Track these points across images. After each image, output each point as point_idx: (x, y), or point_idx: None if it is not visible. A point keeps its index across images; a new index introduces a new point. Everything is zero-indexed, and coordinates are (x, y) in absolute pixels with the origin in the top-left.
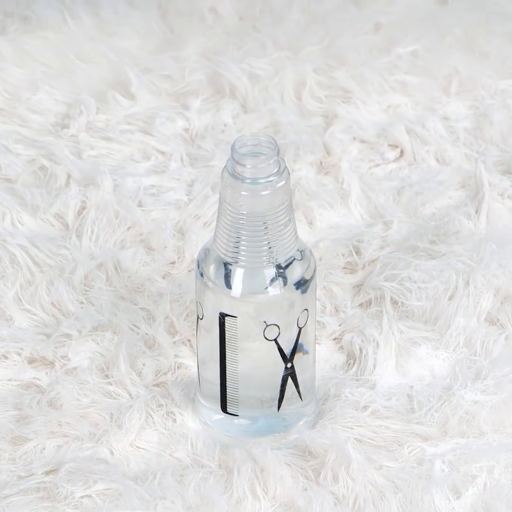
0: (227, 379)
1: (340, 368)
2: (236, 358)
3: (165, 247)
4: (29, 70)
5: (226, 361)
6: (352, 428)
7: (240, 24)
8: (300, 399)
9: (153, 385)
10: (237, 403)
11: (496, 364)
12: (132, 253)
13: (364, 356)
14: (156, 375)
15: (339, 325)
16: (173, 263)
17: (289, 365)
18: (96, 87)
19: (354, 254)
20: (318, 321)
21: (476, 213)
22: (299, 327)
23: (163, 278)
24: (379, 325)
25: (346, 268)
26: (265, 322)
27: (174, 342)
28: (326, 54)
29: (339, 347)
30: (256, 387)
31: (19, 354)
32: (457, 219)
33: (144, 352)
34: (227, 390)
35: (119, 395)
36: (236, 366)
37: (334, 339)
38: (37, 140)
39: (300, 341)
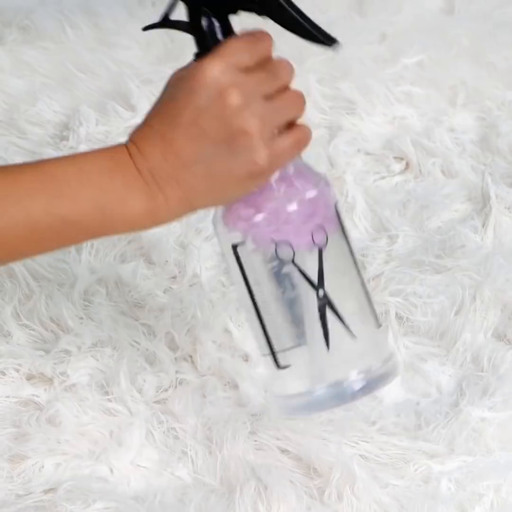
0: (263, 318)
1: None
2: (261, 291)
3: (166, 261)
4: (27, 81)
5: (255, 297)
6: (358, 443)
7: None
8: (351, 335)
9: (154, 402)
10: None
11: (504, 380)
12: (132, 267)
13: None
14: (157, 392)
15: None
16: (174, 277)
17: (321, 292)
18: (96, 98)
19: None
20: None
21: (483, 226)
22: (318, 247)
23: (164, 292)
24: None
25: None
26: (273, 239)
27: (175, 358)
28: (331, 64)
29: None
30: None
31: (17, 371)
32: (464, 232)
33: (145, 368)
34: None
35: (119, 412)
36: (264, 299)
37: None
38: (35, 152)
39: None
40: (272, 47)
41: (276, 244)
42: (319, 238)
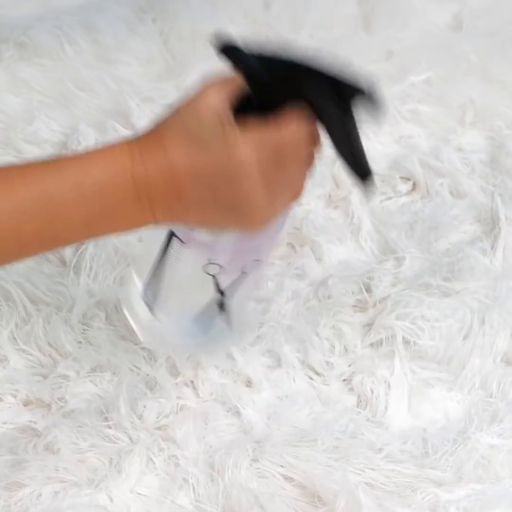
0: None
1: (351, 410)
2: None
3: None
4: (24, 98)
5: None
6: (364, 471)
7: None
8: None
9: (155, 428)
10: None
11: None
12: None
13: (375, 398)
14: (157, 418)
15: (349, 366)
16: None
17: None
18: (95, 117)
19: (365, 292)
20: (326, 361)
21: (492, 248)
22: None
23: None
24: (391, 366)
25: (356, 306)
26: (209, 259)
27: (176, 384)
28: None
29: (349, 389)
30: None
31: (14, 396)
32: (472, 255)
33: (145, 393)
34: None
35: (118, 439)
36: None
37: (344, 380)
38: None
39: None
40: (320, 144)
41: (208, 260)
42: (249, 269)
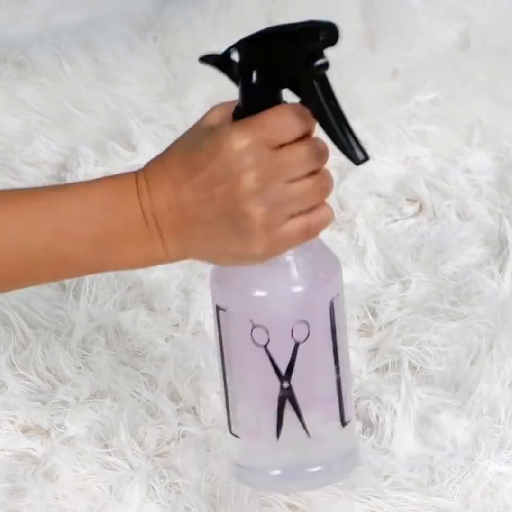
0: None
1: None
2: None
3: (168, 308)
4: (23, 119)
5: (224, 363)
6: (369, 499)
7: None
8: (306, 433)
9: (155, 456)
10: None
11: None
12: (133, 315)
13: (381, 424)
14: (158, 445)
15: (354, 391)
16: (176, 325)
17: (285, 384)
18: (95, 137)
19: (370, 316)
20: None
21: (500, 271)
22: (295, 342)
23: (166, 341)
24: (397, 392)
25: (361, 330)
26: (251, 320)
27: (177, 410)
28: (341, 102)
29: (355, 415)
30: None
31: (12, 423)
32: (480, 278)
33: (146, 420)
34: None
35: (119, 466)
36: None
37: None
38: None
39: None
40: (314, 127)
41: (253, 325)
42: (299, 334)
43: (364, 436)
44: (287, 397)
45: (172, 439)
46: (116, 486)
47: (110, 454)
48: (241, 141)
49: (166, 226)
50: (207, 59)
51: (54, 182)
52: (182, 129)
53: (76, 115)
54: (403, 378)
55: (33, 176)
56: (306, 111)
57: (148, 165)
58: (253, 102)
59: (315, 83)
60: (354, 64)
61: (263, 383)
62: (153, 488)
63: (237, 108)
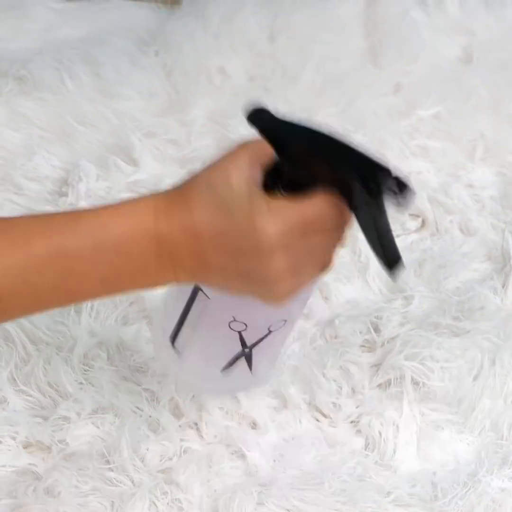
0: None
1: (358, 453)
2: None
3: None
4: (24, 134)
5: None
6: None
7: (250, 85)
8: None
9: (157, 471)
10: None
11: None
12: (134, 330)
13: (384, 440)
14: (160, 461)
15: (357, 407)
16: None
17: (246, 350)
18: (96, 152)
19: (372, 331)
20: (333, 402)
21: (503, 287)
22: (269, 331)
23: None
24: (399, 407)
25: (364, 346)
26: (233, 316)
27: (179, 426)
28: (343, 116)
29: (357, 431)
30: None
31: (14, 439)
32: (483, 293)
33: (148, 436)
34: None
35: (121, 482)
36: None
37: (351, 422)
38: (33, 209)
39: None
40: (349, 222)
41: (233, 319)
42: (275, 327)
43: (366, 452)
44: (243, 355)
45: (174, 455)
46: (118, 502)
47: (112, 470)
48: (276, 227)
49: (180, 265)
50: (255, 120)
51: (56, 197)
52: (184, 144)
53: (78, 129)
54: (406, 394)
55: (35, 191)
56: (345, 206)
57: (169, 197)
58: (293, 185)
59: (371, 210)
60: (357, 79)
61: (226, 346)
62: (155, 504)
63: (272, 174)
